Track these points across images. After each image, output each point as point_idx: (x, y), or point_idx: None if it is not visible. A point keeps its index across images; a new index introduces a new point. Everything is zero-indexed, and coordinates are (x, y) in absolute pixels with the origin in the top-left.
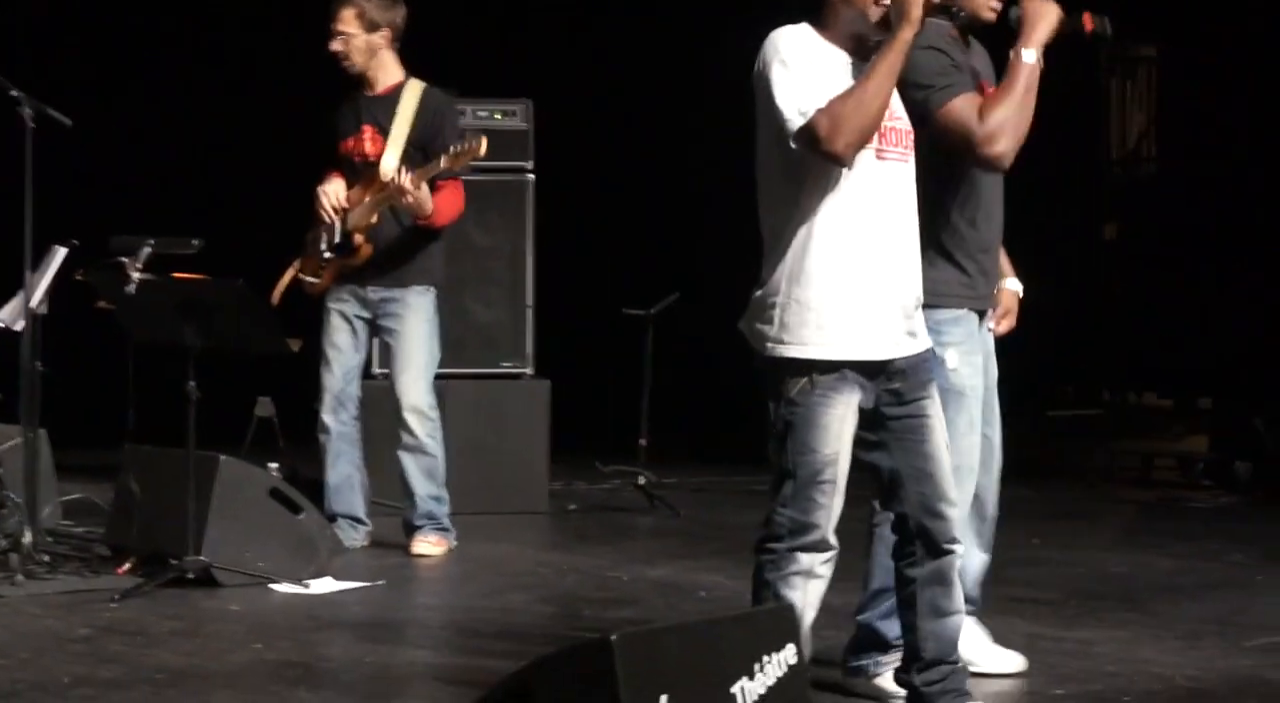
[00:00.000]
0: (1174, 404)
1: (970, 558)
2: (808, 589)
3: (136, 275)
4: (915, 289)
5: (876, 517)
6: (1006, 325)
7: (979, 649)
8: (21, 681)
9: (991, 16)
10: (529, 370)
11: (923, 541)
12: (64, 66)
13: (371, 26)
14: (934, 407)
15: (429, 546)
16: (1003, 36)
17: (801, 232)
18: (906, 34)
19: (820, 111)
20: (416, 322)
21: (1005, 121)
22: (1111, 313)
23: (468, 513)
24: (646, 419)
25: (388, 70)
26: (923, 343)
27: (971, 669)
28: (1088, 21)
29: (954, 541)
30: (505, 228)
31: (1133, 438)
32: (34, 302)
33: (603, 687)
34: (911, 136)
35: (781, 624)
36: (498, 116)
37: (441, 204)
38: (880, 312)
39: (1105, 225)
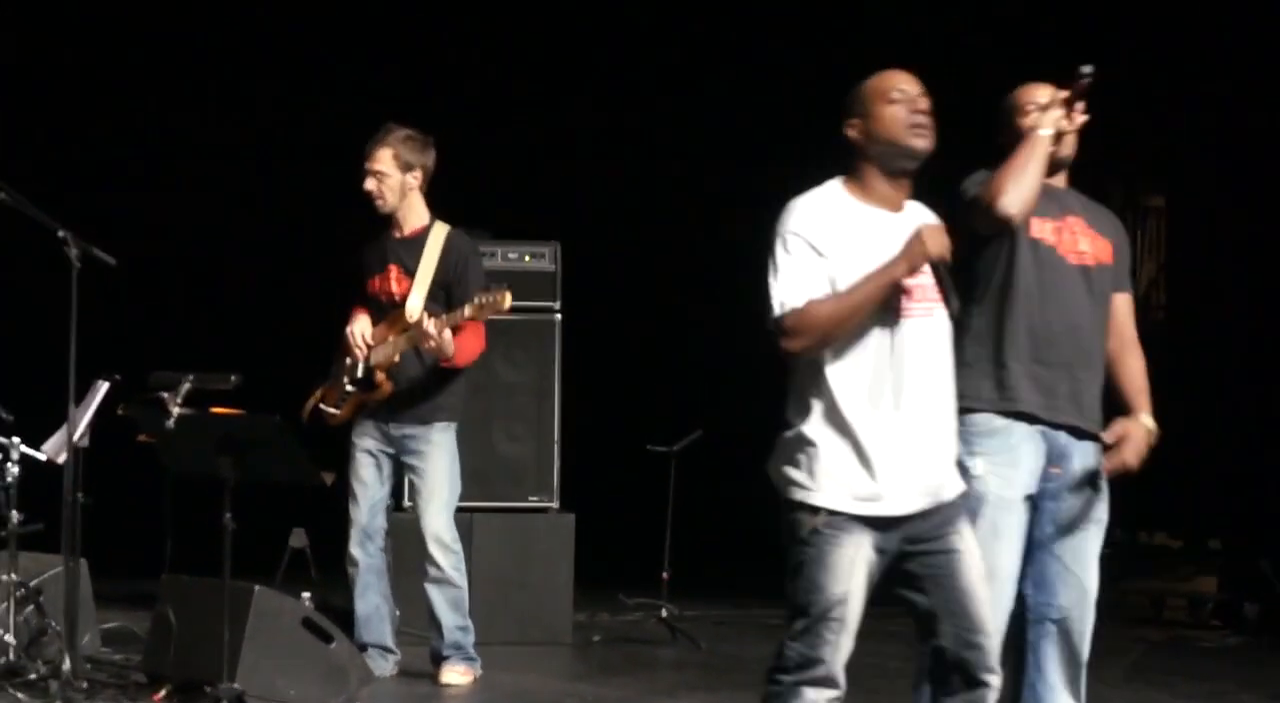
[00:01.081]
0: (1184, 544)
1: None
2: None
3: (176, 410)
4: (944, 444)
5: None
6: (1130, 457)
7: None
8: None
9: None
10: (555, 504)
11: (960, 673)
12: (106, 206)
13: (406, 167)
14: (964, 541)
15: (457, 675)
16: None
17: (828, 386)
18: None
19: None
20: (438, 458)
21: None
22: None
23: (494, 643)
24: (669, 553)
25: (416, 212)
26: (948, 494)
27: None
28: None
29: (991, 669)
30: (533, 365)
31: (1143, 577)
32: (76, 435)
33: None
34: (937, 291)
35: None
36: (527, 258)
37: (463, 345)
38: (896, 470)
39: None
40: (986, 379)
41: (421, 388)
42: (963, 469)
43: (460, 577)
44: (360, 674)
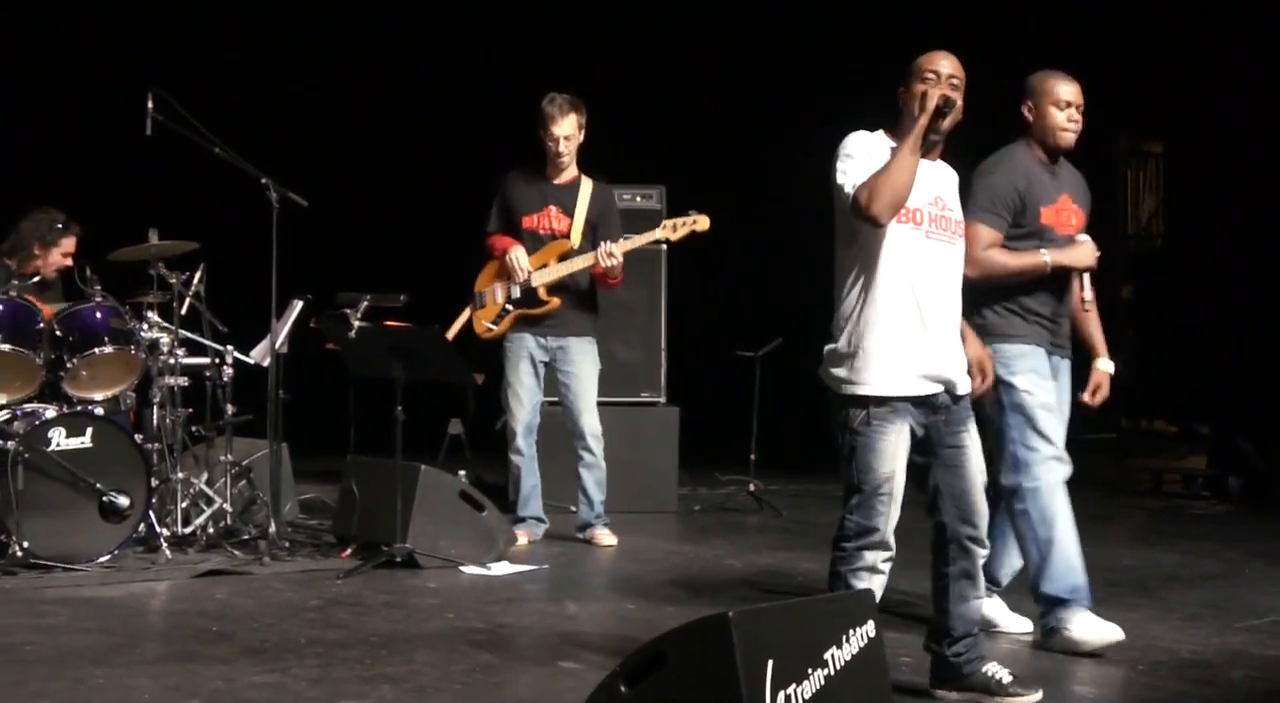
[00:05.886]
0: (1178, 429)
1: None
2: (871, 582)
3: (357, 323)
4: (954, 344)
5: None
6: (1100, 397)
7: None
8: (268, 640)
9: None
10: (662, 399)
11: (956, 544)
12: (299, 158)
13: (581, 129)
14: (970, 439)
15: (608, 535)
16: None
17: (866, 296)
18: (922, 122)
19: (861, 185)
20: (589, 366)
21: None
22: (1128, 356)
23: (613, 512)
24: (756, 438)
25: (573, 165)
26: (960, 390)
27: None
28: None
29: (983, 544)
30: (644, 287)
31: (1144, 457)
32: (278, 343)
33: (722, 653)
34: (961, 226)
35: (863, 605)
36: (638, 199)
37: (622, 273)
38: (923, 359)
39: (1122, 287)
40: (1017, 320)
41: (576, 306)
42: (1006, 386)
43: (603, 461)
44: (506, 537)
